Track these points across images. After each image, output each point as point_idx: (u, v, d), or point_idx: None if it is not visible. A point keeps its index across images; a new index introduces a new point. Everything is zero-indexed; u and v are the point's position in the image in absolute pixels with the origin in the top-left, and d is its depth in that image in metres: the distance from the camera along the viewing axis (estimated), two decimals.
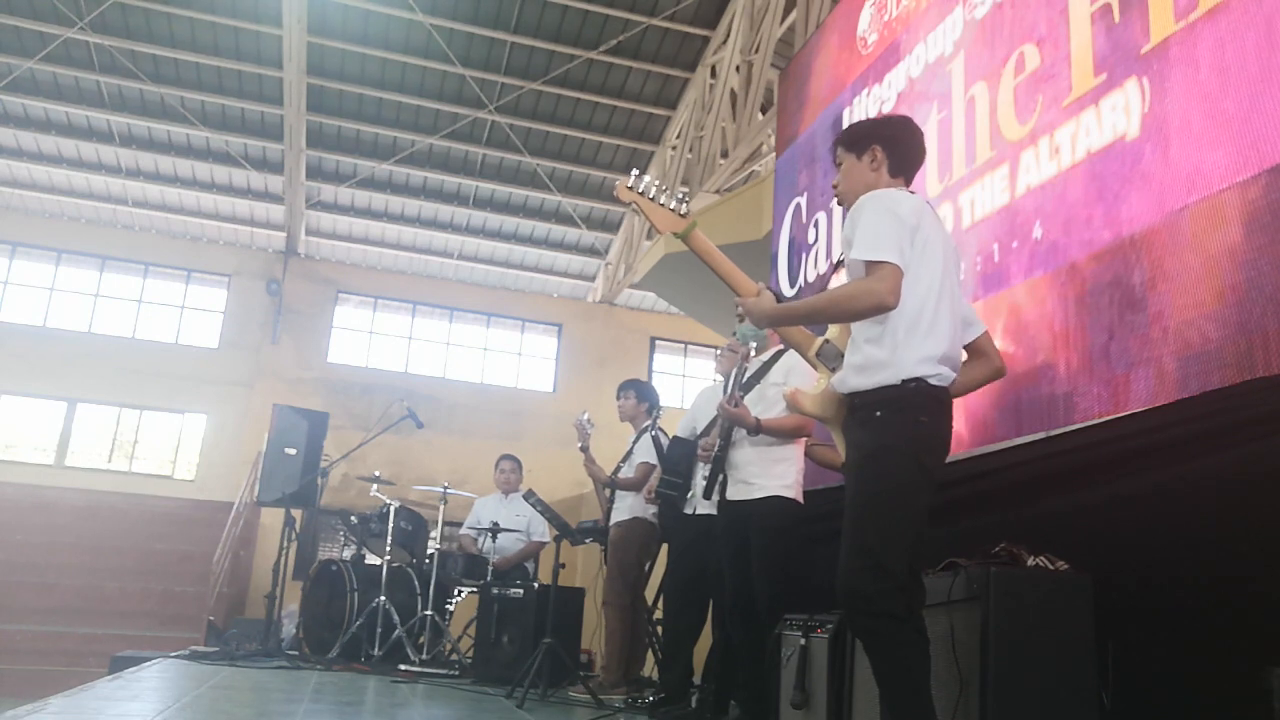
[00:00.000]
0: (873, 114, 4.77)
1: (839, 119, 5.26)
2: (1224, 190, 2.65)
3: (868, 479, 2.14)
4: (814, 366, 2.52)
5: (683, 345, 15.77)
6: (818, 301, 2.34)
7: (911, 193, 2.36)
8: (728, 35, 10.48)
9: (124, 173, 12.98)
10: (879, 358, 2.17)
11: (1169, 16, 2.93)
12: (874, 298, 2.12)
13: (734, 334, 3.88)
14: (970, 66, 4.01)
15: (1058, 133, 3.38)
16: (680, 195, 2.43)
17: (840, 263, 2.55)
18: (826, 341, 2.46)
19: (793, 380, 3.58)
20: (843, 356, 2.35)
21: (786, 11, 9.17)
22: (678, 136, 12.06)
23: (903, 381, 2.14)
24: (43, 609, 9.72)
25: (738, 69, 10.09)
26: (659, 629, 5.01)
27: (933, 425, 2.17)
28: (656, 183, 2.43)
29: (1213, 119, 2.73)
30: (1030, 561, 2.51)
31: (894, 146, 2.41)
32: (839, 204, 2.53)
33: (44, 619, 9.54)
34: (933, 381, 2.16)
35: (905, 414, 2.14)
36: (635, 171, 2.40)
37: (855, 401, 2.22)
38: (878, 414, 2.15)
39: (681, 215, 2.40)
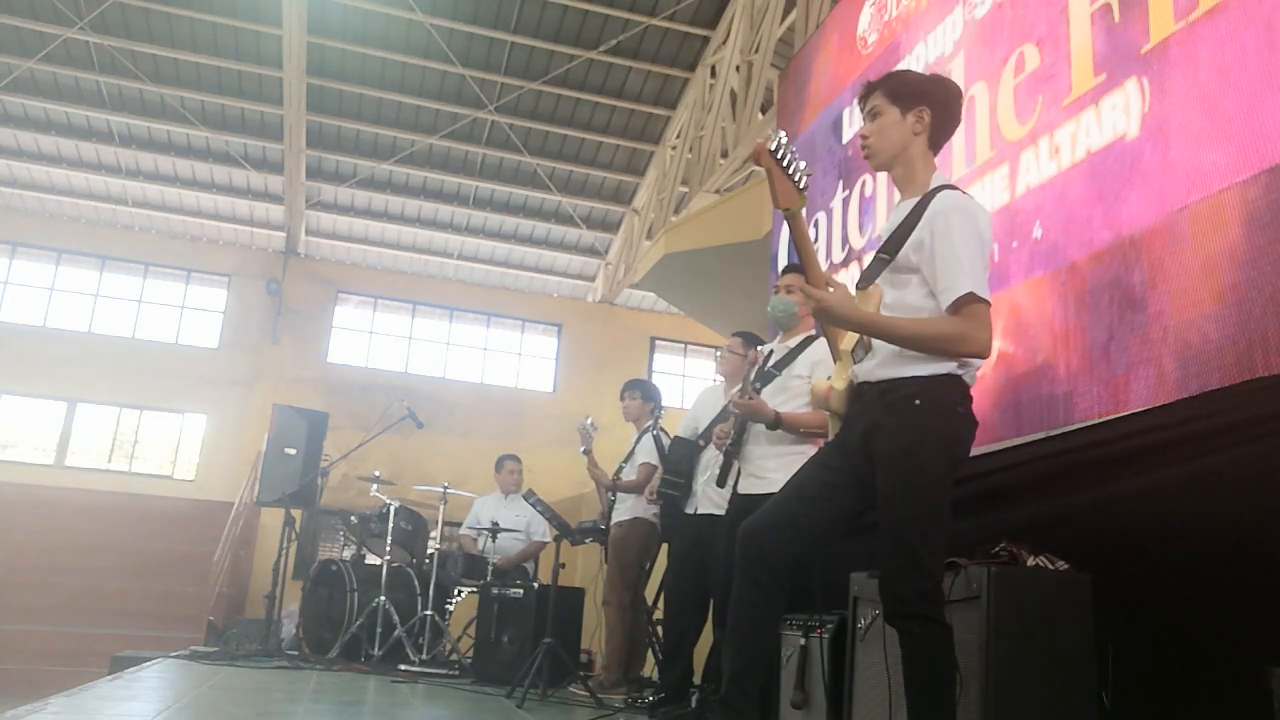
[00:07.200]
0: None
1: (839, 119, 5.26)
2: (1224, 190, 2.65)
3: (907, 473, 2.10)
4: (836, 358, 2.44)
5: (683, 345, 15.77)
6: (907, 326, 2.16)
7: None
8: (728, 35, 10.48)
9: (124, 173, 12.99)
10: (920, 354, 2.15)
11: (1169, 16, 2.93)
12: (976, 347, 2.11)
13: (768, 309, 3.81)
14: (970, 66, 4.01)
15: (1057, 133, 3.38)
16: (804, 167, 2.18)
17: (887, 257, 2.29)
18: (861, 338, 2.43)
19: (819, 374, 3.54)
20: (869, 350, 2.29)
21: (786, 11, 9.17)
22: (678, 136, 12.05)
23: (943, 375, 2.14)
24: (43, 609, 9.73)
25: (738, 69, 10.09)
26: (659, 629, 5.01)
27: (967, 417, 2.18)
28: (794, 149, 2.16)
29: (1213, 119, 2.73)
30: (1030, 561, 2.50)
31: (941, 113, 2.30)
32: (866, 158, 2.36)
33: (44, 619, 9.54)
34: (966, 378, 2.18)
35: (943, 404, 2.14)
36: (782, 133, 2.14)
37: (885, 387, 2.18)
38: (916, 403, 2.13)
39: (800, 191, 2.19)
